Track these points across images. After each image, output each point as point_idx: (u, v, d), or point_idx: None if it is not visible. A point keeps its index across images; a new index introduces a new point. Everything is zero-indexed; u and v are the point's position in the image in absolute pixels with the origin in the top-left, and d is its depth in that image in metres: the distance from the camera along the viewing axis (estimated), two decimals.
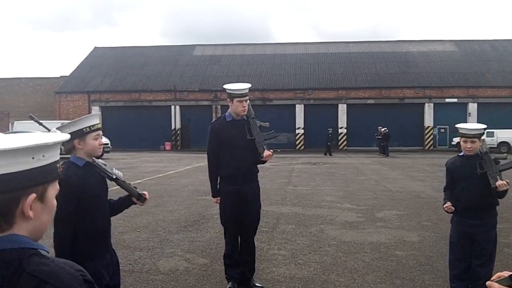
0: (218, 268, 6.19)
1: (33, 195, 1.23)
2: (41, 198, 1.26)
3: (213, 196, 5.49)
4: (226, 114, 5.38)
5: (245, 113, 5.25)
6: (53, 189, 1.30)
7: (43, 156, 1.23)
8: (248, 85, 5.29)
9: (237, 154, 5.22)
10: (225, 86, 5.34)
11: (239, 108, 5.20)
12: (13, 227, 1.22)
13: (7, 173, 1.17)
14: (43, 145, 1.23)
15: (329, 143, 34.39)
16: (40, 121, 3.35)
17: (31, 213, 1.23)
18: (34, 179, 1.22)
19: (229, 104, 5.27)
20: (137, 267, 6.35)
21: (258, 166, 5.52)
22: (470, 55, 46.61)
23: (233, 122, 5.30)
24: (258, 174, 5.58)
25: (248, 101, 5.27)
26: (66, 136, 1.38)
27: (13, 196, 1.20)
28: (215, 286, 5.60)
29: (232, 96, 5.19)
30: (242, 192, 5.27)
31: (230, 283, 5.42)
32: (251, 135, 5.23)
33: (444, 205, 4.86)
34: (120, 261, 3.53)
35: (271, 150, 5.32)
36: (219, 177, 5.41)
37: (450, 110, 41.18)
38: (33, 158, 1.21)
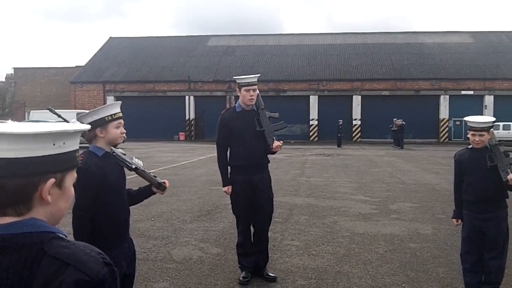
0: (231, 258, 6.21)
1: (52, 180, 1.24)
2: (59, 184, 1.28)
3: (224, 186, 5.49)
4: (236, 105, 5.44)
5: (253, 102, 5.29)
6: (71, 178, 1.32)
7: (64, 143, 1.25)
8: (256, 75, 5.33)
9: (247, 145, 5.26)
10: (234, 77, 5.45)
11: (246, 97, 5.24)
12: (31, 211, 1.24)
13: (28, 157, 1.19)
14: (65, 132, 1.25)
15: (339, 135, 34.29)
16: (59, 113, 3.36)
17: (49, 198, 1.25)
18: (54, 165, 1.24)
19: (238, 94, 5.33)
20: (151, 255, 6.40)
21: (270, 157, 5.54)
22: (486, 47, 46.08)
23: (243, 112, 5.35)
24: (272, 165, 5.60)
25: (257, 91, 5.31)
26: (87, 126, 1.43)
27: (33, 180, 1.22)
28: (229, 275, 5.63)
29: (240, 85, 5.27)
30: (253, 181, 5.31)
31: (243, 272, 5.44)
32: (260, 127, 5.27)
33: (452, 220, 5.06)
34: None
35: (281, 141, 5.35)
36: (229, 167, 5.44)
37: (466, 103, 40.79)
38: (54, 144, 1.23)
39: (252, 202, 5.34)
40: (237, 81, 5.29)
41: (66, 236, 1.28)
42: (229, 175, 5.47)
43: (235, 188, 5.37)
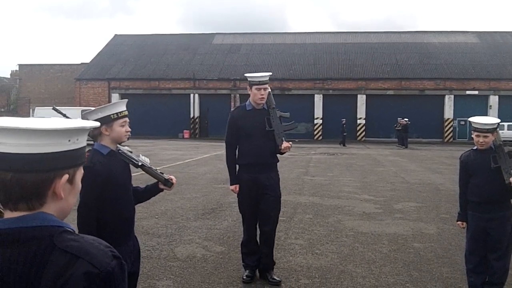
0: (235, 256, 6.21)
1: (66, 176, 1.27)
2: (71, 180, 1.30)
3: (231, 184, 5.45)
4: (246, 103, 5.39)
5: (263, 101, 5.24)
6: (80, 173, 1.35)
7: (77, 139, 1.28)
8: (268, 74, 5.27)
9: (256, 143, 5.22)
10: (246, 75, 5.37)
11: (257, 95, 5.19)
12: (43, 206, 1.26)
13: (44, 153, 1.21)
14: (79, 129, 1.28)
15: (344, 134, 34.26)
16: (64, 113, 3.37)
17: (63, 194, 1.27)
18: (69, 161, 1.27)
19: (249, 92, 5.27)
20: (155, 253, 6.41)
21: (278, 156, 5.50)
22: (492, 47, 45.93)
23: (253, 111, 5.30)
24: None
25: (269, 90, 5.26)
26: (97, 123, 1.48)
27: (48, 176, 1.24)
28: (232, 274, 5.63)
29: (251, 83, 5.20)
30: (259, 180, 5.26)
31: (247, 271, 5.43)
32: (270, 126, 5.22)
33: (457, 222, 5.00)
34: None
35: (290, 142, 5.31)
36: (237, 166, 5.41)
37: (470, 103, 40.68)
38: (69, 140, 1.26)
39: (258, 201, 5.31)
40: (248, 79, 5.23)
41: (73, 231, 1.29)
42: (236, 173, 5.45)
43: (241, 186, 5.34)
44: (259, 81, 5.17)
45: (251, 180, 5.26)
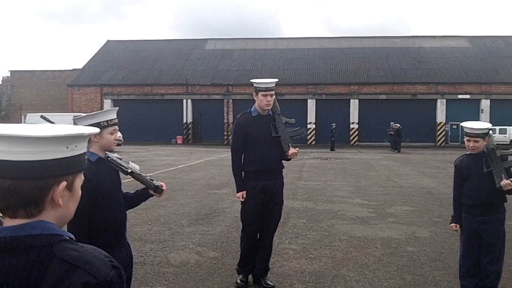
0: (229, 262, 6.21)
1: (64, 183, 1.26)
2: (70, 187, 1.30)
3: (238, 191, 5.33)
4: (252, 109, 5.33)
5: (269, 107, 5.22)
6: (80, 180, 1.35)
7: (76, 146, 1.27)
8: (274, 80, 5.24)
9: (262, 150, 5.18)
10: (252, 80, 5.35)
11: (263, 102, 5.16)
12: (42, 213, 1.25)
13: (41, 160, 1.20)
14: (77, 136, 1.27)
15: (333, 139, 34.37)
16: (52, 120, 3.36)
17: (61, 201, 1.26)
18: (66, 168, 1.26)
19: (255, 98, 5.24)
20: (148, 259, 6.39)
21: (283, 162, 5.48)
22: (483, 51, 46.23)
23: (259, 117, 5.26)
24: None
25: (274, 96, 5.23)
26: (97, 130, 1.42)
27: (46, 183, 1.23)
28: (226, 279, 5.62)
29: (257, 90, 5.16)
30: (266, 187, 5.23)
31: (240, 276, 5.42)
32: (276, 133, 5.20)
33: (450, 225, 5.03)
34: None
35: (297, 148, 5.30)
36: (243, 172, 5.35)
37: (462, 107, 40.92)
38: (67, 147, 1.24)
39: (263, 208, 5.26)
40: (255, 85, 5.19)
41: (73, 239, 1.29)
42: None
43: (247, 194, 5.27)
44: (266, 87, 5.14)
45: (258, 187, 5.22)
